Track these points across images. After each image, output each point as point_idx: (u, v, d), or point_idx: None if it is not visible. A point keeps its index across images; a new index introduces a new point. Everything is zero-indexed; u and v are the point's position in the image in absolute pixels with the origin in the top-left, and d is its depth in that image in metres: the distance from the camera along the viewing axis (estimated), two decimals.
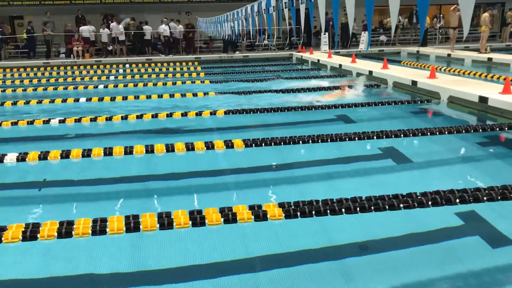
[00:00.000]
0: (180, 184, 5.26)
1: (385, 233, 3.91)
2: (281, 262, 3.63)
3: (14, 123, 7.53)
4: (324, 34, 19.22)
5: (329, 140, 5.96)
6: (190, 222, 3.61)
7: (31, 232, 3.39)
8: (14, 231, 3.40)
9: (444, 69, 13.01)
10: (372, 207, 3.79)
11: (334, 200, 3.88)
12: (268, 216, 3.71)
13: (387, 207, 3.81)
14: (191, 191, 4.98)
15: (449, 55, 17.14)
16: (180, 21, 21.54)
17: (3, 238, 3.35)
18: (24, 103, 9.74)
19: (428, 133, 6.16)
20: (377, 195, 3.96)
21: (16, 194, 5.12)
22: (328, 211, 3.75)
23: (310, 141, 5.94)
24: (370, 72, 11.78)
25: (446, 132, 6.20)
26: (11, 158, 5.52)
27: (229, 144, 5.85)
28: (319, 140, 5.95)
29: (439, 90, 8.88)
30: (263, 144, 5.87)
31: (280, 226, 3.91)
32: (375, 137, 6.06)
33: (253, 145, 5.85)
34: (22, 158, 5.50)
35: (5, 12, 22.75)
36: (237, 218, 3.68)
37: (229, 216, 3.68)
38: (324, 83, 11.49)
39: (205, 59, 18.86)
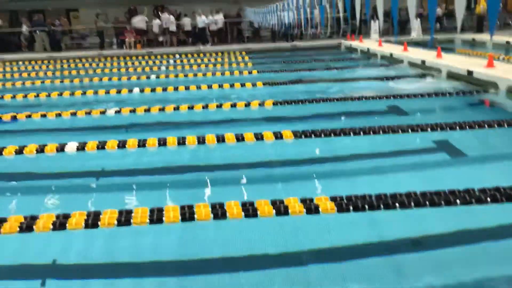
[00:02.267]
0: (231, 175, 5.35)
1: (439, 229, 3.83)
2: (331, 257, 3.64)
3: (73, 113, 7.88)
4: (374, 21, 18.76)
5: (381, 132, 5.85)
6: (243, 213, 3.68)
7: (92, 220, 3.57)
8: (78, 219, 3.59)
9: (503, 58, 12.39)
10: (428, 202, 3.71)
11: (388, 195, 3.83)
12: (320, 209, 3.71)
13: (443, 202, 3.72)
14: (242, 182, 5.06)
15: (508, 42, 16.30)
16: (218, 11, 21.45)
17: (67, 225, 3.55)
18: (81, 93, 10.16)
19: (486, 126, 5.92)
20: (432, 190, 3.87)
21: (76, 182, 5.39)
22: (382, 205, 3.71)
23: (361, 133, 5.85)
24: (423, 61, 11.41)
25: (505, 125, 5.93)
26: (71, 147, 5.79)
27: (278, 135, 5.87)
28: (371, 132, 5.86)
29: (497, 80, 8.48)
30: (313, 135, 5.85)
31: (331, 220, 3.91)
32: (429, 129, 5.89)
33: (303, 136, 5.85)
34: (81, 147, 5.76)
35: (61, 5, 23.72)
36: (289, 211, 3.71)
37: (281, 209, 3.71)
38: (374, 72, 11.25)
39: (254, 49, 18.90)
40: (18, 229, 3.51)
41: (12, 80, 13.09)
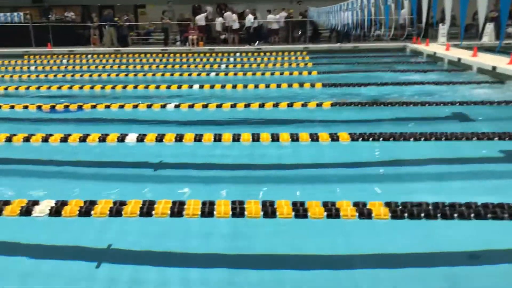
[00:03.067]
0: (284, 174, 5.33)
1: (500, 244, 3.60)
2: (382, 263, 3.53)
3: (135, 106, 8.16)
4: (443, 25, 18.02)
5: (443, 138, 5.60)
6: (293, 213, 3.65)
7: (147, 209, 3.67)
8: (133, 206, 3.71)
9: None
10: (489, 215, 3.50)
11: (446, 204, 3.65)
12: (373, 214, 3.60)
13: (506, 216, 3.50)
14: (294, 182, 5.02)
15: None
16: (280, 10, 21.38)
17: (123, 212, 3.67)
18: (144, 87, 10.51)
19: None
20: (495, 202, 3.65)
21: (134, 172, 5.57)
22: (439, 215, 3.54)
23: (422, 139, 5.63)
24: (494, 67, 10.81)
25: None
26: (131, 138, 5.99)
27: (334, 137, 5.77)
28: (432, 138, 5.62)
29: None
30: (371, 138, 5.70)
31: (383, 226, 3.79)
32: (496, 138, 5.57)
33: (360, 139, 5.71)
34: (141, 139, 5.95)
35: (130, 1, 24.68)
36: (341, 214, 3.63)
37: (332, 211, 3.64)
38: (440, 77, 10.80)
39: (314, 49, 18.75)
40: (77, 213, 3.68)
41: (81, 72, 13.77)
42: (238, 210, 3.68)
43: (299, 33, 20.87)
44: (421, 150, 5.81)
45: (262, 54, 17.51)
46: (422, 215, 3.56)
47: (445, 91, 9.32)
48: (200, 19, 20.84)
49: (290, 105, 7.87)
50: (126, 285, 3.25)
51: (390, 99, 8.26)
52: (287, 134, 5.89)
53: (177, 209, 3.68)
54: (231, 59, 16.42)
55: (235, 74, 12.45)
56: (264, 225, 3.82)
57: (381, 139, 5.68)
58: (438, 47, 16.09)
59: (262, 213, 3.68)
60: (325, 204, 3.74)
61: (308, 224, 3.71)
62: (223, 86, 10.22)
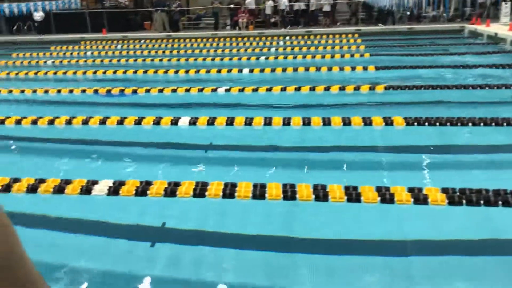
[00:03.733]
0: (336, 158, 5.27)
1: None
2: (436, 249, 3.44)
3: (187, 90, 8.29)
4: (506, 3, 17.00)
5: (504, 124, 5.33)
6: (346, 197, 3.60)
7: (200, 190, 3.74)
8: (187, 187, 3.79)
9: None
10: None
11: (508, 191, 3.48)
12: (429, 200, 3.50)
13: None
14: (346, 166, 4.95)
15: None
16: None
17: (177, 193, 3.76)
18: (195, 72, 10.65)
19: None
20: None
21: (187, 154, 5.69)
22: (500, 202, 3.39)
23: (482, 124, 5.38)
24: None
25: None
26: (184, 121, 6.11)
27: (388, 121, 5.62)
28: (493, 123, 5.36)
29: None
30: (426, 123, 5.51)
31: (439, 212, 3.67)
32: None
33: (415, 123, 5.53)
34: (193, 122, 6.05)
35: None
36: (395, 199, 3.55)
37: (386, 196, 3.57)
38: (501, 59, 10.23)
39: (366, 31, 18.24)
40: (134, 192, 3.80)
41: (134, 56, 14.12)
42: (289, 193, 3.68)
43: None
44: (480, 136, 5.56)
45: (312, 37, 17.23)
46: (482, 202, 3.42)
47: (507, 74, 8.84)
48: (250, 3, 20.74)
49: (341, 88, 7.73)
50: (176, 263, 3.34)
51: (447, 83, 7.92)
52: (338, 117, 5.81)
53: (229, 191, 3.73)
54: (281, 43, 16.30)
55: (285, 57, 12.35)
56: (316, 209, 3.81)
57: (437, 123, 5.48)
58: (500, 28, 15.22)
59: (313, 196, 3.66)
60: (378, 189, 3.67)
61: (360, 208, 3.66)
62: (273, 70, 10.18)
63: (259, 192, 3.69)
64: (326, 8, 20.15)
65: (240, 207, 3.92)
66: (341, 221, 3.79)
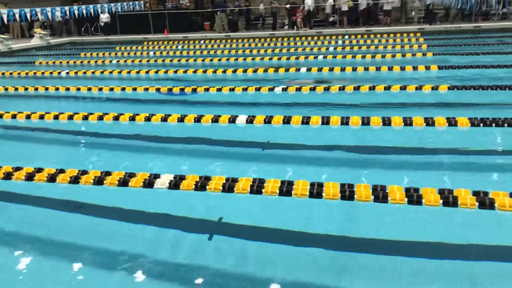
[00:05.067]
0: (395, 159, 5.14)
1: None
2: (500, 255, 3.28)
3: (245, 89, 8.39)
4: None
5: None
6: (406, 199, 3.51)
7: (257, 187, 3.78)
8: (244, 184, 3.84)
9: None
10: None
11: None
12: (495, 205, 3.33)
13: None
14: (406, 167, 4.83)
15: None
16: None
17: (235, 189, 3.82)
18: (253, 71, 10.74)
19: None
20: None
21: (243, 151, 5.76)
22: None
23: None
24: None
25: None
26: (241, 119, 6.18)
27: (452, 122, 5.41)
28: None
29: None
30: (493, 124, 5.24)
31: (506, 217, 3.50)
32: None
33: (481, 124, 5.28)
34: (250, 120, 6.11)
35: None
36: (458, 203, 3.41)
37: (449, 199, 3.44)
38: None
39: (429, 30, 17.62)
40: (194, 187, 3.90)
41: (194, 56, 14.45)
42: (347, 193, 3.63)
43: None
44: None
45: (372, 36, 16.88)
46: None
47: None
48: (308, 2, 20.62)
49: (403, 88, 7.52)
50: (233, 257, 3.40)
51: None
52: (399, 118, 5.65)
53: (286, 189, 3.74)
54: (339, 42, 16.09)
55: (344, 57, 12.19)
56: (374, 210, 3.75)
57: (505, 124, 5.21)
58: None
59: (372, 197, 3.59)
60: (441, 192, 3.54)
61: (421, 210, 3.55)
62: (331, 69, 10.08)
63: (316, 191, 3.67)
64: (387, 6, 19.65)
65: (295, 205, 3.93)
66: (400, 223, 3.70)
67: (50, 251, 3.58)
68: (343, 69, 10.04)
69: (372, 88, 7.69)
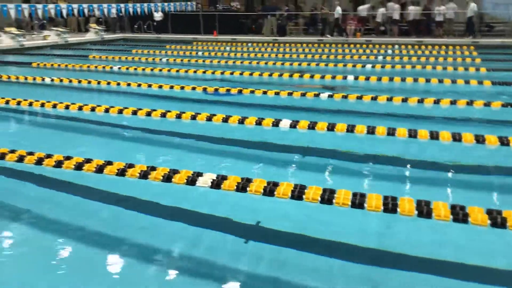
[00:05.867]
0: (441, 175, 5.00)
1: None
2: None
3: (290, 94, 8.39)
4: None
5: None
6: (451, 217, 3.40)
7: (298, 193, 3.77)
8: (285, 188, 3.84)
9: None
10: None
11: None
12: None
13: None
14: (452, 184, 4.69)
15: None
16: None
17: (275, 193, 3.83)
18: (299, 76, 10.72)
19: None
20: None
21: (285, 156, 5.76)
22: None
23: None
24: None
25: None
26: (285, 124, 6.19)
27: (504, 141, 5.21)
28: None
29: None
30: None
31: None
32: None
33: None
34: (294, 125, 6.10)
35: None
36: (507, 224, 3.28)
37: (497, 220, 3.31)
38: None
39: (484, 44, 17.02)
40: (235, 187, 3.94)
41: (242, 59, 14.56)
42: (390, 205, 3.57)
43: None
44: None
45: (423, 47, 16.49)
46: None
47: None
48: (363, 10, 20.40)
49: (453, 102, 7.31)
50: (268, 263, 3.40)
51: None
52: (447, 132, 5.51)
53: (328, 197, 3.71)
54: (389, 51, 15.81)
55: (393, 66, 11.97)
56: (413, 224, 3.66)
57: None
58: None
59: (416, 212, 3.51)
60: (489, 212, 3.41)
61: (466, 229, 3.44)
62: (379, 79, 9.92)
63: (358, 201, 3.63)
64: (439, 17, 19.13)
65: (334, 214, 3.89)
66: (442, 241, 3.59)
67: (91, 240, 3.70)
68: (391, 79, 9.86)
69: (420, 101, 7.51)
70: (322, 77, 10.49)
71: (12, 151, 4.97)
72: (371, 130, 5.79)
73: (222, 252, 3.53)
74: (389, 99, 7.68)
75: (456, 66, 11.71)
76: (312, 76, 10.59)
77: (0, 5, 16.72)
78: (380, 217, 3.68)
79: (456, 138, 5.38)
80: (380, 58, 14.08)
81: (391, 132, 5.68)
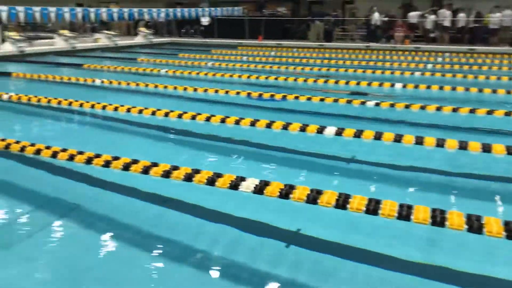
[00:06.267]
0: (492, 188, 4.78)
1: None
2: None
3: (335, 100, 8.28)
4: None
5: None
6: (505, 233, 3.23)
7: (342, 202, 3.69)
8: (329, 197, 3.77)
9: None
10: None
11: None
12: None
13: None
14: (501, 199, 4.47)
15: None
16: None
17: (318, 201, 3.77)
18: (345, 83, 10.58)
19: None
20: None
21: (329, 163, 5.67)
22: None
23: None
24: None
25: None
26: (330, 131, 6.10)
27: None
28: None
29: None
30: None
31: None
32: None
33: None
34: (339, 132, 6.00)
35: None
36: None
37: None
38: None
39: None
40: (278, 194, 3.91)
41: (286, 64, 14.54)
42: (438, 219, 3.43)
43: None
44: None
45: (475, 55, 15.92)
46: None
47: None
48: (413, 16, 19.94)
49: (507, 113, 6.98)
50: (308, 271, 3.35)
51: None
52: (501, 145, 5.26)
53: (373, 207, 3.61)
54: (439, 59, 15.35)
55: (443, 75, 11.60)
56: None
57: None
58: None
59: (465, 226, 3.36)
60: None
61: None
62: (428, 87, 9.64)
63: (405, 213, 3.51)
64: (494, 25, 18.42)
65: (377, 225, 3.79)
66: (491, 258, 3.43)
67: (134, 239, 3.76)
68: (441, 88, 9.56)
69: (472, 111, 7.22)
70: (369, 84, 10.31)
71: (64, 150, 5.15)
72: (419, 141, 5.61)
73: (263, 256, 3.51)
74: (439, 109, 7.44)
75: (511, 76, 11.22)
76: (358, 83, 10.43)
77: (55, 8, 17.49)
78: (426, 229, 3.56)
79: (510, 151, 5.12)
80: (429, 66, 13.69)
81: (440, 143, 5.48)
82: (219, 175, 4.26)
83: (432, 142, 5.52)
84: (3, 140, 5.67)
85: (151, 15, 21.73)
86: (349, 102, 8.18)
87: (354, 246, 3.64)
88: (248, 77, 11.78)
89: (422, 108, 7.52)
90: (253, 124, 6.52)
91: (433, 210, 3.55)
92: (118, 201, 4.47)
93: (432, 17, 19.61)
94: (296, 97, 8.65)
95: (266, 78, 11.44)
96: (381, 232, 3.82)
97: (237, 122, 6.63)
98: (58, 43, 19.04)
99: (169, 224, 4.05)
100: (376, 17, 20.18)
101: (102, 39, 20.94)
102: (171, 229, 3.93)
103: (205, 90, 9.56)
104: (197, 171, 4.36)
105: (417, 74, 11.82)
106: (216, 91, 9.43)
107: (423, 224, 3.48)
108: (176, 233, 3.85)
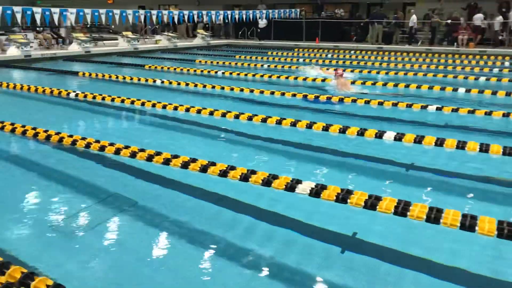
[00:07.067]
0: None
1: None
2: None
3: (395, 104, 8.06)
4: None
5: None
6: None
7: (402, 209, 3.59)
8: (388, 203, 3.68)
9: None
10: None
11: None
12: None
13: None
14: None
15: None
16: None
17: (377, 207, 3.68)
18: (404, 86, 10.29)
19: None
20: None
21: (388, 169, 5.52)
22: None
23: None
24: None
25: None
26: (389, 136, 5.95)
27: None
28: None
29: None
30: None
31: None
32: None
33: None
34: (399, 138, 5.84)
35: None
36: None
37: None
38: None
39: None
40: (334, 198, 3.86)
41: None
42: (506, 231, 3.26)
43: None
44: None
45: None
46: None
47: None
48: (478, 18, 19.08)
49: None
50: (361, 273, 3.28)
51: None
52: None
53: (434, 216, 3.49)
54: (506, 63, 14.58)
55: (510, 80, 11.01)
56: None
57: None
58: None
59: (496, 233, 3.21)
60: None
61: None
62: (494, 92, 9.18)
63: (469, 223, 3.36)
64: None
65: (437, 234, 3.65)
66: None
67: (189, 236, 3.83)
68: (508, 94, 9.08)
69: None
70: (430, 88, 9.97)
71: (126, 147, 5.34)
72: (484, 148, 5.35)
73: (315, 259, 3.47)
74: (506, 115, 7.06)
75: None
76: (419, 87, 10.11)
77: (119, 10, 18.21)
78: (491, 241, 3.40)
79: None
80: (495, 70, 13.03)
81: (508, 152, 5.20)
82: (275, 177, 4.27)
83: (499, 150, 5.25)
84: (70, 136, 5.97)
85: (210, 17, 22.14)
86: (409, 106, 7.94)
87: (413, 255, 3.53)
88: (304, 79, 11.73)
89: (488, 114, 7.18)
90: (309, 126, 6.48)
91: (500, 222, 3.37)
92: (176, 198, 4.57)
93: (499, 18, 18.66)
94: (354, 100, 8.51)
95: (323, 80, 11.33)
96: (443, 242, 3.67)
97: (293, 124, 6.62)
98: (121, 44, 19.84)
99: (222, 222, 4.09)
100: (415, 19, 19.51)
101: (162, 41, 21.59)
102: (224, 226, 3.96)
103: (261, 92, 9.61)
104: (253, 172, 4.39)
105: (482, 79, 11.29)
106: (272, 93, 9.45)
107: (489, 236, 3.32)
108: (229, 231, 3.89)
